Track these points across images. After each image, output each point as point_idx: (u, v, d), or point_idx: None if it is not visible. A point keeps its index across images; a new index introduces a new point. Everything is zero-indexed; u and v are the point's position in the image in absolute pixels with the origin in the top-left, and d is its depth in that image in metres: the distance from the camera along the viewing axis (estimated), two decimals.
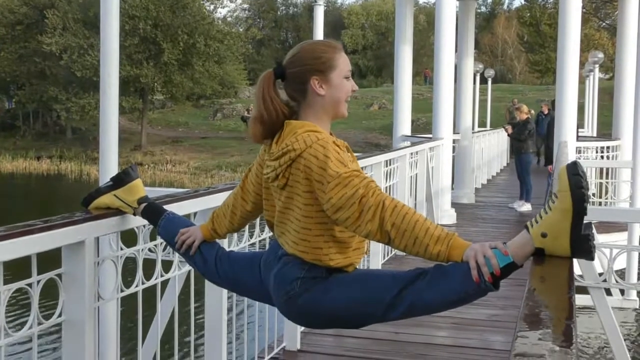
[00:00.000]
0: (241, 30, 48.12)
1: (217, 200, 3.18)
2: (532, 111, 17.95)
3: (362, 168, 6.24)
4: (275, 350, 4.73)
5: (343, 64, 2.35)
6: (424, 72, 53.84)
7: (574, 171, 1.96)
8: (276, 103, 2.33)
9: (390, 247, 7.48)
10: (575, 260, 2.06)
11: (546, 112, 18.89)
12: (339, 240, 2.28)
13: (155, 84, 38.60)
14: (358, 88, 2.43)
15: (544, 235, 1.99)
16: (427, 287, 2.12)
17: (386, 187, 7.39)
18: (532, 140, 12.17)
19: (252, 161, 2.55)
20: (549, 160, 11.81)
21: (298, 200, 2.26)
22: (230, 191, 2.72)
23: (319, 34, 11.73)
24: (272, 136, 2.37)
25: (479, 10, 61.89)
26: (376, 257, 6.91)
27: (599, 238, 7.30)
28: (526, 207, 11.94)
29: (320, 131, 2.29)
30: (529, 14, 53.11)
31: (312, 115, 2.35)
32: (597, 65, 23.88)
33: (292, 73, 2.34)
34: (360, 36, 63.18)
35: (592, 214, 4.31)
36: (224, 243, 3.37)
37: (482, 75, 28.09)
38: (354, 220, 2.12)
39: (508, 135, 12.97)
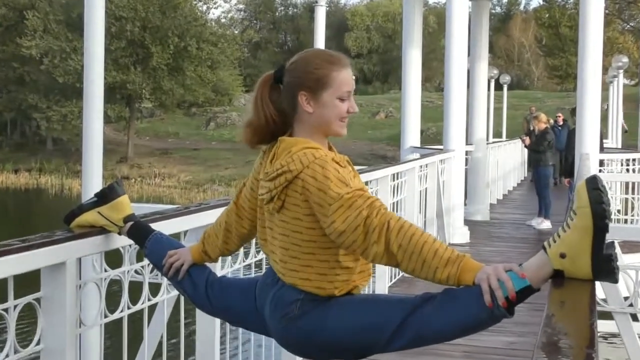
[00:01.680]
0: (236, 32, 48.34)
1: (210, 217, 3.18)
2: (552, 120, 17.96)
3: (367, 182, 6.28)
4: None
5: (340, 83, 2.32)
6: None
7: (594, 185, 1.97)
8: (267, 108, 2.35)
9: (397, 269, 7.48)
10: (598, 283, 2.06)
11: (561, 122, 18.91)
12: (343, 265, 2.28)
13: (143, 90, 38.69)
14: (357, 110, 2.40)
15: (562, 256, 1.98)
16: (435, 313, 2.12)
17: (393, 203, 7.39)
18: (551, 151, 12.16)
19: (248, 174, 2.55)
20: (567, 173, 11.82)
21: (298, 224, 2.26)
22: (224, 208, 2.72)
23: (320, 36, 11.77)
24: (265, 142, 2.39)
25: (493, 11, 62.06)
26: (382, 279, 6.90)
27: (624, 258, 7.29)
28: (545, 224, 11.92)
29: (316, 147, 2.28)
30: (547, 15, 53.30)
31: (303, 130, 2.35)
32: (621, 71, 23.93)
33: (286, 82, 2.36)
34: (365, 39, 63.36)
35: (616, 232, 4.31)
36: (216, 265, 3.36)
37: (497, 81, 28.13)
38: (359, 244, 2.13)
39: (525, 146, 12.97)
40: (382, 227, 2.10)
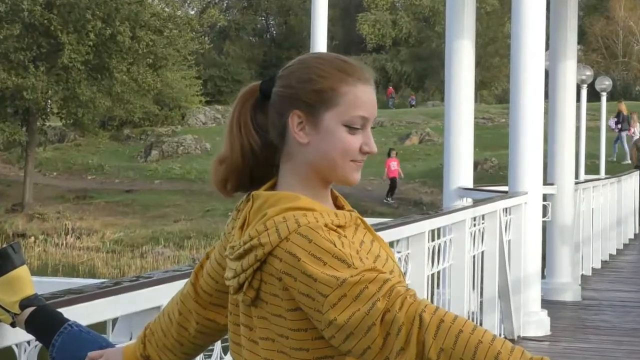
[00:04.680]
0: (192, 13, 48.61)
1: (153, 299, 3.19)
2: None
3: (391, 244, 6.25)
4: None
5: (351, 103, 2.29)
6: (388, 91, 54.71)
7: None
8: (247, 136, 2.36)
9: None
10: None
11: None
12: None
13: (49, 101, 38.78)
14: (375, 150, 2.34)
15: None
16: None
17: (431, 275, 7.38)
18: None
19: (208, 230, 2.55)
20: None
21: (281, 324, 2.25)
22: (175, 282, 2.72)
23: (320, 20, 11.81)
24: (244, 188, 2.40)
25: None
26: None
27: None
28: None
29: (306, 208, 2.26)
30: None
31: (292, 174, 2.35)
32: None
33: (274, 94, 2.35)
34: (388, 23, 63.76)
35: None
36: None
37: (591, 86, 28.24)
38: (376, 352, 2.12)
39: None
40: (411, 323, 2.09)
